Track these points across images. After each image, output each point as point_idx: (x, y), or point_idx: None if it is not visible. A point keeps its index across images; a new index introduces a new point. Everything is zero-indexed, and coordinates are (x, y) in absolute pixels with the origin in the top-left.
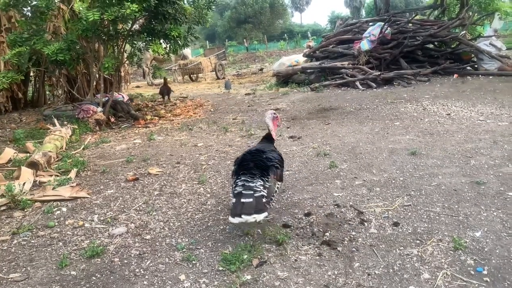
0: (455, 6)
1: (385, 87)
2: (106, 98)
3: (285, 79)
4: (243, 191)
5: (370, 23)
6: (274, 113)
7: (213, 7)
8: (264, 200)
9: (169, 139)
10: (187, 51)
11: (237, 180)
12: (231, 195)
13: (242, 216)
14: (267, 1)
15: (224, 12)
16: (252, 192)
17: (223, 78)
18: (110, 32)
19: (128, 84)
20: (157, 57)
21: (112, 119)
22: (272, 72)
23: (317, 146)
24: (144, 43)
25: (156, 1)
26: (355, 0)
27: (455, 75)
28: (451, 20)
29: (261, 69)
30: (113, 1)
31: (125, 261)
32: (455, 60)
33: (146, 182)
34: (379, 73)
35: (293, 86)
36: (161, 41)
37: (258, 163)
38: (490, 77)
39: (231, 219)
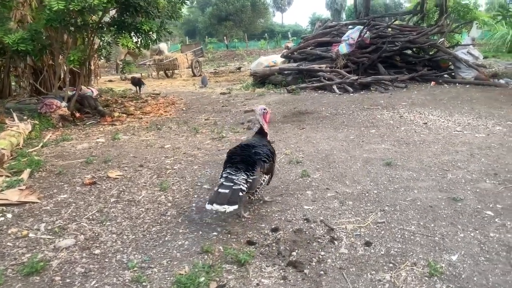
0: (434, 13)
1: (362, 92)
2: (73, 93)
3: (262, 79)
4: (224, 182)
5: (350, 26)
6: (264, 109)
7: (188, 2)
8: (240, 194)
9: (135, 139)
10: (163, 46)
11: (223, 172)
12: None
13: (214, 204)
14: None
15: (205, 8)
16: (231, 184)
17: (200, 75)
18: (78, 24)
19: (98, 78)
20: (131, 51)
21: (77, 115)
22: (249, 72)
23: (290, 153)
24: (113, 37)
25: None
26: (335, 3)
27: (433, 83)
28: (430, 27)
29: (239, 68)
30: None
31: (68, 281)
32: (433, 67)
33: (104, 187)
34: (357, 77)
35: (270, 87)
36: (132, 35)
37: (245, 157)
38: (467, 85)
39: (206, 206)
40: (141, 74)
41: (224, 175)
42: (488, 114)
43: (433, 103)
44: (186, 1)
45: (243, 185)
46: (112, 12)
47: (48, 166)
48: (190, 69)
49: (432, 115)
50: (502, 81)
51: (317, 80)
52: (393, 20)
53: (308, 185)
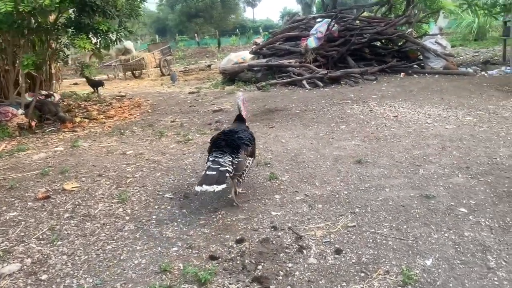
0: (402, 3)
1: (332, 86)
2: (31, 99)
3: (231, 77)
4: (211, 165)
5: (318, 20)
6: (243, 95)
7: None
8: (227, 175)
9: (95, 145)
10: (129, 45)
11: (209, 156)
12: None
13: (203, 185)
14: None
15: (175, 6)
16: (218, 166)
17: (168, 74)
18: (31, 26)
19: (60, 82)
20: (95, 52)
21: (33, 123)
22: (218, 70)
23: (258, 154)
24: (69, 38)
25: None
26: None
27: (402, 74)
28: (398, 17)
29: (209, 66)
30: None
31: None
32: (402, 58)
33: (58, 201)
34: (326, 72)
35: (240, 85)
36: (90, 36)
37: (229, 142)
38: (436, 75)
39: (195, 188)
40: (107, 75)
41: (210, 159)
42: (458, 104)
43: (403, 95)
44: None
45: (229, 167)
46: (69, 12)
47: None
48: (159, 69)
49: (402, 107)
50: (470, 69)
51: (287, 75)
52: (361, 12)
53: (276, 189)
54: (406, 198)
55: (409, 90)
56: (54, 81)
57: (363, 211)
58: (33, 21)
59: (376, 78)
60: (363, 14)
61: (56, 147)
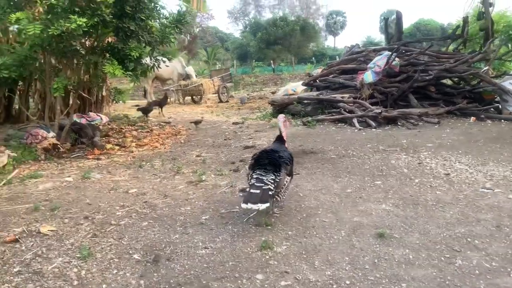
0: (481, 37)
1: (386, 128)
2: (80, 120)
3: (280, 108)
4: (255, 183)
5: (379, 53)
6: (284, 117)
7: (182, 27)
8: (270, 193)
9: (106, 179)
10: (190, 70)
11: (253, 173)
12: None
13: (248, 203)
14: (298, 24)
15: (257, 33)
16: (261, 184)
17: (227, 101)
18: (66, 49)
19: (110, 104)
20: (159, 76)
21: (64, 147)
22: (268, 101)
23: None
24: (99, 64)
25: (112, 17)
26: (390, 27)
27: (472, 118)
28: (472, 53)
29: (274, 93)
30: (60, 13)
31: None
32: (474, 100)
33: (23, 248)
34: (380, 111)
35: (288, 118)
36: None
37: (272, 160)
38: None
39: (242, 204)
40: (169, 98)
41: (255, 176)
42: None
43: (466, 145)
44: (180, 26)
45: (271, 185)
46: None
47: None
48: (217, 95)
49: (459, 162)
50: None
51: (337, 111)
52: (428, 45)
53: (264, 264)
54: None
55: (474, 140)
56: (104, 103)
57: None
58: (65, 44)
59: (438, 121)
60: (431, 48)
61: (68, 176)
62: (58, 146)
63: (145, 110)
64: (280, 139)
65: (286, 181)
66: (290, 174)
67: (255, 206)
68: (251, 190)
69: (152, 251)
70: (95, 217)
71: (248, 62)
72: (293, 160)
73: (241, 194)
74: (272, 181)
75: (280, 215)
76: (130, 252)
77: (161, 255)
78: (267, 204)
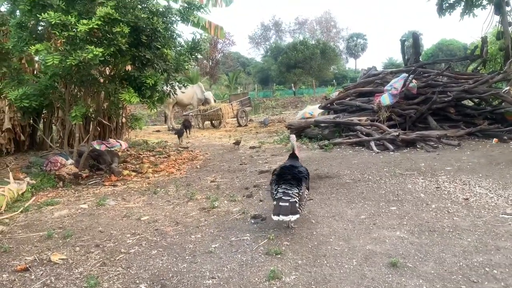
0: (501, 57)
1: (404, 151)
2: (99, 146)
3: (298, 132)
4: (282, 197)
5: (396, 75)
6: (295, 137)
7: (199, 55)
8: (297, 205)
9: (120, 205)
10: (209, 95)
11: (278, 188)
12: (274, 198)
13: (280, 215)
14: (319, 47)
15: (278, 57)
16: (289, 198)
17: (246, 125)
18: (83, 78)
19: (129, 130)
20: (180, 101)
21: (82, 174)
22: (285, 124)
23: (274, 237)
24: (115, 92)
25: (128, 46)
26: (408, 48)
27: (495, 140)
28: (492, 73)
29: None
30: (78, 44)
31: None
32: (496, 121)
33: (32, 277)
34: (397, 133)
35: (305, 141)
36: (143, 89)
37: (294, 175)
38: None
39: (273, 217)
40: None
41: (280, 191)
42: None
43: (486, 168)
44: (196, 53)
45: (296, 198)
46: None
47: (3, 240)
48: (236, 119)
49: (479, 186)
50: None
51: (354, 134)
52: (447, 66)
53: None
54: None
55: (495, 163)
56: (124, 130)
57: None
58: (83, 73)
59: (459, 143)
60: (451, 69)
61: (84, 203)
62: (76, 173)
63: (179, 133)
64: (293, 155)
65: (306, 194)
66: (308, 187)
67: (286, 218)
68: (280, 203)
69: (159, 280)
70: (106, 245)
71: (269, 85)
72: (309, 174)
73: (252, 221)
74: (297, 194)
75: (291, 243)
76: (137, 281)
77: (168, 285)
78: (298, 216)
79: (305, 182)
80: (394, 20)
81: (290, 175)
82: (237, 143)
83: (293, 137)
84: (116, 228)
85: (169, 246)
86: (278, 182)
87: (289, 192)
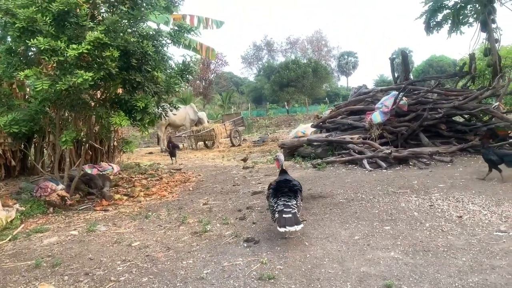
0: (490, 73)
1: (397, 168)
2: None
3: (291, 151)
4: (284, 209)
5: (386, 93)
6: (282, 154)
7: (190, 77)
8: (298, 215)
9: (111, 231)
10: (202, 115)
11: (278, 200)
12: (274, 212)
13: (287, 227)
14: (310, 66)
15: (271, 76)
16: (290, 209)
17: (239, 145)
18: (73, 102)
19: (121, 153)
20: (173, 123)
21: (73, 199)
22: (278, 143)
23: (267, 261)
24: (105, 115)
25: (118, 70)
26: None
27: None
28: (481, 89)
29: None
30: (68, 69)
31: None
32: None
33: None
34: (390, 151)
35: (298, 160)
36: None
37: (290, 187)
38: None
39: (279, 229)
40: (183, 144)
41: (280, 203)
42: None
43: (479, 185)
44: (187, 75)
45: (296, 209)
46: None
47: None
48: (229, 139)
49: (472, 203)
50: None
51: (346, 153)
52: (436, 83)
53: None
54: None
55: (488, 178)
56: (116, 153)
57: None
58: (73, 97)
59: (451, 160)
60: (444, 86)
61: (74, 230)
62: (66, 198)
63: (171, 153)
64: (284, 171)
65: (300, 205)
66: (302, 198)
67: (292, 228)
68: (284, 215)
69: None
70: (95, 273)
71: (263, 104)
72: (301, 186)
73: (245, 245)
74: (296, 206)
75: (284, 266)
76: None
77: None
78: (302, 225)
79: (300, 194)
80: (384, 37)
81: (287, 188)
82: (245, 160)
83: (280, 155)
84: (106, 255)
85: (160, 272)
86: (276, 195)
87: (289, 204)
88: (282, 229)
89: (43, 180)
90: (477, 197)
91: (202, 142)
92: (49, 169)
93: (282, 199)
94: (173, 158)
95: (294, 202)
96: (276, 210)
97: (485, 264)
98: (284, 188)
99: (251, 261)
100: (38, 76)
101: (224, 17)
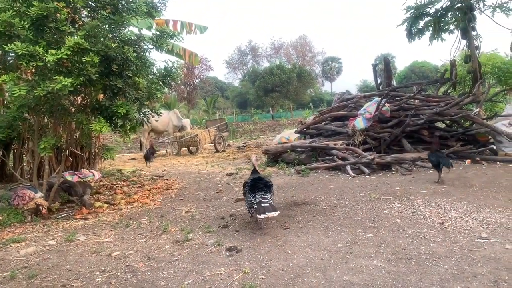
0: (470, 79)
1: (380, 174)
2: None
3: (275, 157)
4: (262, 200)
5: (369, 99)
6: (256, 157)
7: (173, 82)
8: (274, 204)
9: (90, 240)
10: (185, 122)
11: (256, 195)
12: (252, 204)
13: (266, 213)
14: (295, 71)
15: (255, 81)
16: (267, 200)
17: (223, 151)
18: (52, 109)
19: (103, 160)
20: (155, 128)
21: (52, 207)
22: (262, 149)
23: (250, 270)
24: (85, 122)
25: (98, 75)
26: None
27: (468, 161)
28: (462, 95)
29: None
30: (47, 74)
31: None
32: (469, 142)
33: None
34: (372, 157)
35: (282, 166)
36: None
37: (265, 184)
38: (511, 164)
39: (258, 216)
40: (166, 150)
41: (258, 197)
42: None
43: (460, 191)
44: (170, 81)
45: (271, 200)
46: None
47: None
48: (213, 145)
49: (454, 209)
50: None
51: (330, 159)
52: (418, 90)
53: None
54: None
55: (469, 185)
56: (97, 159)
57: None
58: (51, 103)
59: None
60: (426, 92)
61: (52, 239)
62: (40, 207)
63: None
64: (255, 171)
65: (273, 198)
66: (273, 193)
67: (270, 214)
68: (262, 205)
69: None
70: (73, 284)
71: (247, 109)
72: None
73: (227, 254)
74: (270, 198)
75: (267, 276)
76: None
77: None
78: (278, 212)
79: (272, 189)
80: (368, 43)
81: (262, 184)
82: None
83: (254, 157)
84: (85, 266)
85: (139, 283)
86: (254, 190)
87: (266, 196)
88: (262, 216)
89: (21, 188)
90: (458, 203)
91: (186, 148)
92: (29, 176)
93: (260, 194)
94: (147, 162)
95: (270, 195)
96: (255, 202)
97: (467, 272)
98: (259, 185)
99: (233, 271)
100: (15, 81)
101: (208, 22)
